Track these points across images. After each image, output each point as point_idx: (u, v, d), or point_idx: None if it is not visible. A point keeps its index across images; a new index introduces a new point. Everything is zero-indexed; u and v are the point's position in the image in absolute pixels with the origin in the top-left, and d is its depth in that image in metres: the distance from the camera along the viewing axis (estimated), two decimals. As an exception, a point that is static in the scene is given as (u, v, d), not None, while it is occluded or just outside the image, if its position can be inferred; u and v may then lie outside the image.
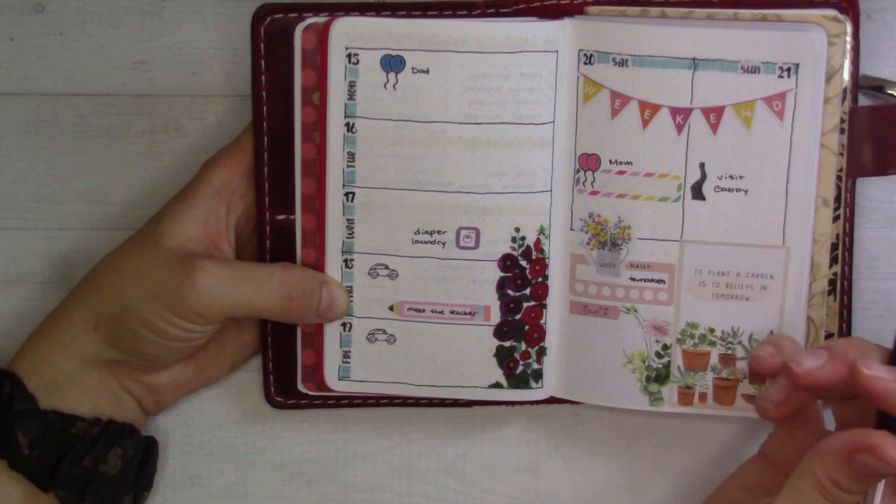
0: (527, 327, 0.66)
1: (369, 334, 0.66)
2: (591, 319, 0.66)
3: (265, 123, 0.65)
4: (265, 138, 0.65)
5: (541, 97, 0.64)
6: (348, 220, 0.65)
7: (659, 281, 0.65)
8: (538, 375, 0.66)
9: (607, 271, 0.66)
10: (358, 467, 0.69)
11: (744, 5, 0.64)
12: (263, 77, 0.65)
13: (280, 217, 0.66)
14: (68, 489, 0.62)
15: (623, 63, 0.64)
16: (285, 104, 0.65)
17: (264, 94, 0.65)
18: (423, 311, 0.66)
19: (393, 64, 0.64)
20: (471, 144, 0.64)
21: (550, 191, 0.65)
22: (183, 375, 0.66)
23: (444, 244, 0.65)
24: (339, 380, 0.67)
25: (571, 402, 0.67)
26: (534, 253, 0.65)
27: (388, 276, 0.66)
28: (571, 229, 0.66)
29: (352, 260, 0.66)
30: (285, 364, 0.67)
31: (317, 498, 0.69)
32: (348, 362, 0.67)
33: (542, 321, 0.66)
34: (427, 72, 0.63)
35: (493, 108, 0.64)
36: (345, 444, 0.69)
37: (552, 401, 0.67)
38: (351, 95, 0.64)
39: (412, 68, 0.63)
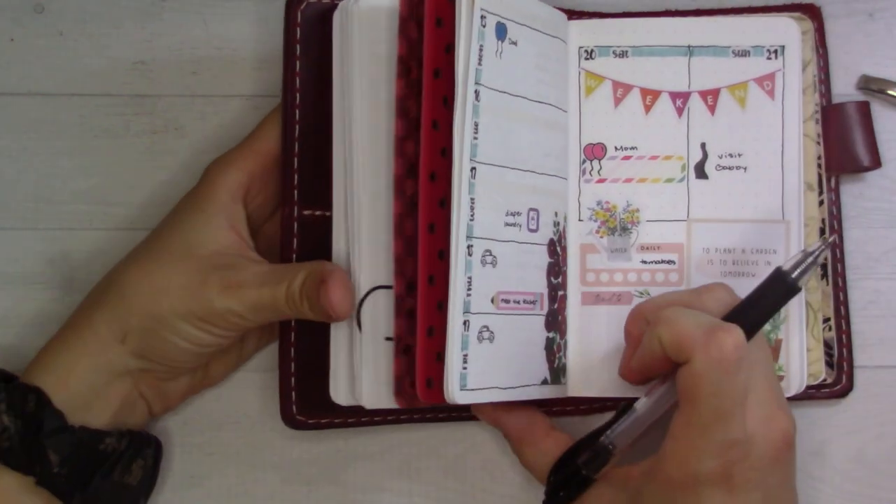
0: (559, 318, 0.65)
1: (478, 333, 0.60)
2: (603, 308, 0.66)
3: (297, 111, 0.64)
4: (297, 127, 0.64)
5: (564, 84, 0.66)
6: (472, 199, 0.59)
7: (669, 262, 0.66)
8: (564, 370, 0.66)
9: (618, 256, 0.66)
10: (358, 467, 0.69)
11: (718, 16, 0.68)
12: (298, 62, 0.64)
13: (307, 212, 0.64)
14: (92, 502, 0.62)
15: (623, 54, 0.67)
16: (320, 92, 0.63)
17: (298, 80, 0.64)
18: (509, 301, 0.62)
19: (500, 31, 0.61)
20: (537, 122, 0.64)
21: (567, 179, 0.66)
22: (194, 380, 0.66)
23: (520, 227, 0.63)
24: (461, 390, 0.59)
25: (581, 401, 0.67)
26: (563, 240, 0.66)
27: (491, 263, 0.61)
28: (580, 220, 0.67)
29: (472, 246, 0.60)
30: (308, 382, 0.65)
31: (317, 498, 0.69)
32: (466, 368, 0.59)
33: (566, 312, 0.66)
34: (516, 44, 0.62)
35: (546, 89, 0.64)
36: (345, 444, 0.69)
37: (569, 401, 0.67)
38: (480, 60, 0.59)
39: (509, 39, 0.62)
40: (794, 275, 0.59)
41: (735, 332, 0.56)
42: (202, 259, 0.62)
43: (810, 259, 0.59)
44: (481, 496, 0.69)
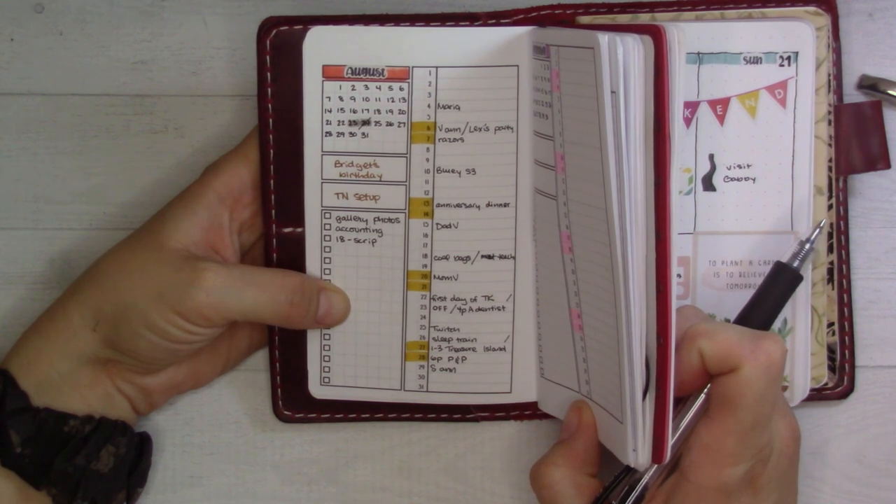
0: None
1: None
2: None
3: (271, 136, 0.65)
4: (271, 151, 0.65)
5: None
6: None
7: (675, 276, 0.65)
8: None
9: None
10: (358, 467, 0.69)
11: (730, 5, 0.66)
12: (269, 89, 0.65)
13: (286, 230, 0.66)
14: (61, 487, 0.62)
15: None
16: (292, 116, 0.65)
17: (270, 106, 0.65)
18: None
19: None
20: None
21: None
22: (175, 378, 0.66)
23: None
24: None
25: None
26: None
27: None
28: None
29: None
30: (294, 378, 0.67)
31: (317, 498, 0.69)
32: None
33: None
34: None
35: None
36: (345, 444, 0.69)
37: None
38: None
39: None
40: (795, 264, 0.61)
41: (779, 340, 0.58)
42: (173, 250, 0.63)
43: (807, 246, 0.62)
44: (481, 496, 0.69)
